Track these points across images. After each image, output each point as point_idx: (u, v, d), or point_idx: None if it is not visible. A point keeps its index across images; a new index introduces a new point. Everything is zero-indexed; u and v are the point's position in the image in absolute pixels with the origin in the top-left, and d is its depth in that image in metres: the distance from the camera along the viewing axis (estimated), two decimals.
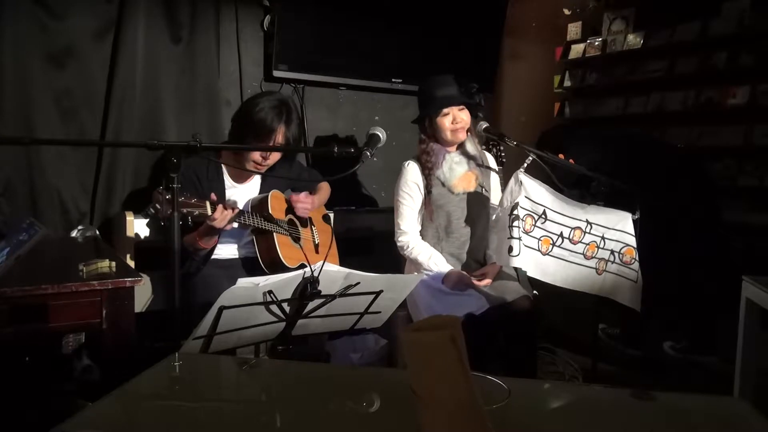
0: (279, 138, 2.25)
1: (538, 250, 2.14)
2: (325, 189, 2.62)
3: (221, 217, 1.96)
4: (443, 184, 2.41)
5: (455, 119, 2.37)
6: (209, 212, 1.91)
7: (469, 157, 2.47)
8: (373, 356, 2.85)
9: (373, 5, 3.39)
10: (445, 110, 2.36)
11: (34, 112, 2.52)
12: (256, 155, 2.26)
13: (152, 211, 1.66)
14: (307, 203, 2.36)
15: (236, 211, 2.03)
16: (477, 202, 2.45)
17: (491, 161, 2.58)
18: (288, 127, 2.26)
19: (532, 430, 0.87)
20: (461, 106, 2.38)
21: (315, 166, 3.23)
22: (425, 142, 2.43)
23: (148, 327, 2.00)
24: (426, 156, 2.42)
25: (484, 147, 2.60)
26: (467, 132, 2.43)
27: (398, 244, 2.44)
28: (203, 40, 2.96)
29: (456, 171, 2.41)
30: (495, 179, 2.56)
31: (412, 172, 2.42)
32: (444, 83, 2.40)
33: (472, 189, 2.44)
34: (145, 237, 2.51)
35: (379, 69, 3.54)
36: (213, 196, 2.02)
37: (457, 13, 3.68)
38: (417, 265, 2.42)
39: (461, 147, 2.47)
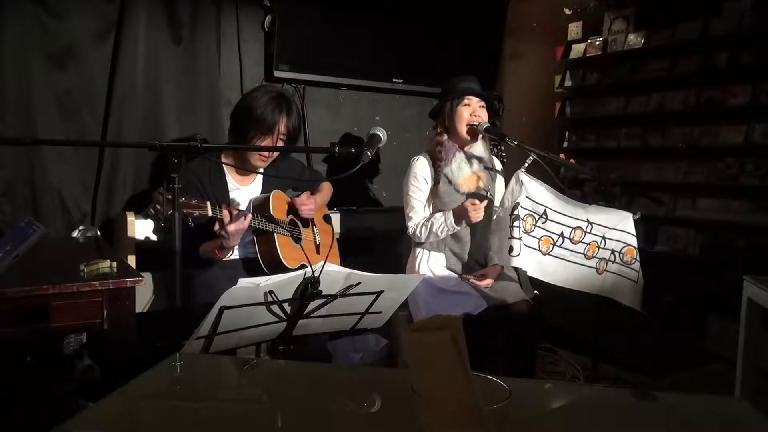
0: (281, 128, 2.26)
1: (539, 250, 2.14)
2: (326, 189, 2.62)
3: (236, 229, 1.98)
4: (450, 182, 2.41)
5: (474, 112, 2.39)
6: (209, 212, 1.91)
7: (478, 158, 2.47)
8: (374, 356, 2.85)
9: (374, 5, 3.39)
10: (467, 100, 2.39)
11: (35, 113, 2.52)
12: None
13: (152, 211, 1.66)
14: (310, 204, 2.36)
15: (248, 218, 2.03)
16: None
17: (498, 165, 2.59)
18: (289, 117, 2.28)
19: (533, 431, 0.87)
20: (482, 103, 2.41)
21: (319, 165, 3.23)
22: (440, 135, 2.45)
23: (149, 327, 2.00)
24: (438, 149, 2.43)
25: None
26: (479, 135, 2.44)
27: (410, 230, 2.43)
28: (204, 41, 2.96)
29: (464, 170, 2.42)
30: (500, 183, 2.57)
31: (421, 166, 2.44)
32: (469, 78, 2.45)
33: (475, 190, 2.44)
34: (146, 237, 2.51)
35: (379, 69, 3.54)
36: (228, 212, 2.01)
37: (457, 13, 3.68)
38: (437, 243, 2.40)
39: (471, 148, 2.47)
